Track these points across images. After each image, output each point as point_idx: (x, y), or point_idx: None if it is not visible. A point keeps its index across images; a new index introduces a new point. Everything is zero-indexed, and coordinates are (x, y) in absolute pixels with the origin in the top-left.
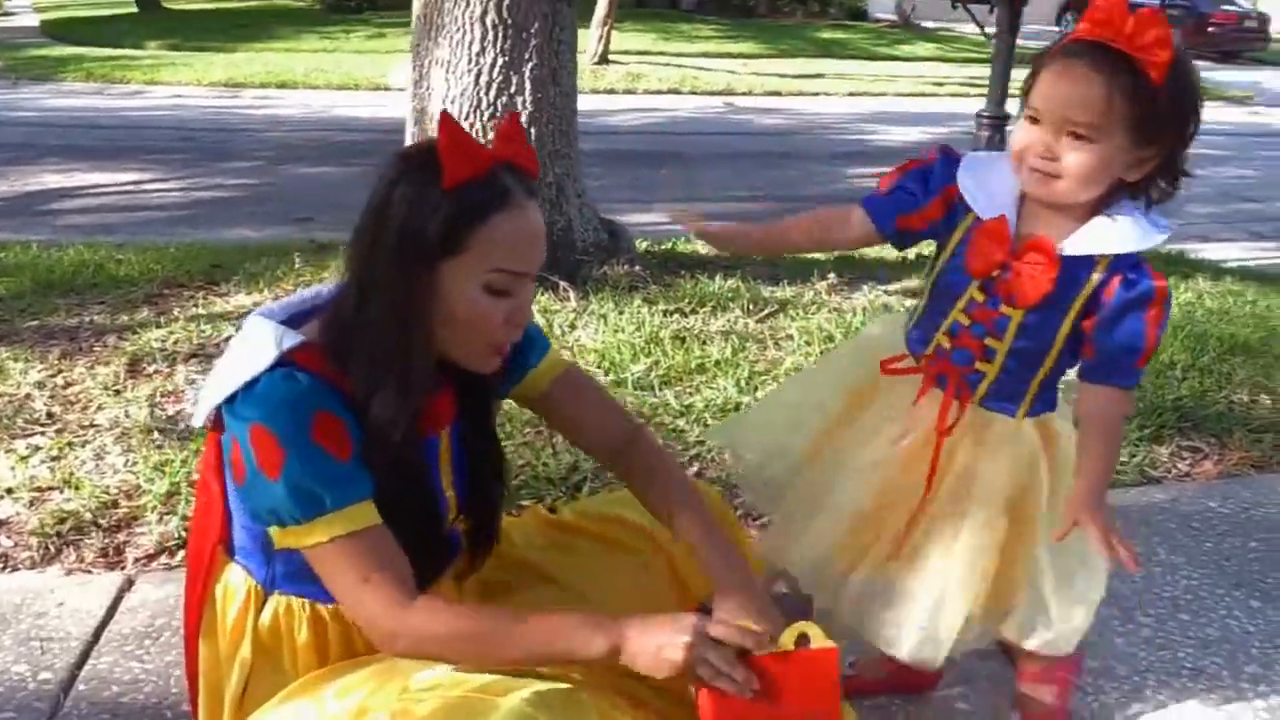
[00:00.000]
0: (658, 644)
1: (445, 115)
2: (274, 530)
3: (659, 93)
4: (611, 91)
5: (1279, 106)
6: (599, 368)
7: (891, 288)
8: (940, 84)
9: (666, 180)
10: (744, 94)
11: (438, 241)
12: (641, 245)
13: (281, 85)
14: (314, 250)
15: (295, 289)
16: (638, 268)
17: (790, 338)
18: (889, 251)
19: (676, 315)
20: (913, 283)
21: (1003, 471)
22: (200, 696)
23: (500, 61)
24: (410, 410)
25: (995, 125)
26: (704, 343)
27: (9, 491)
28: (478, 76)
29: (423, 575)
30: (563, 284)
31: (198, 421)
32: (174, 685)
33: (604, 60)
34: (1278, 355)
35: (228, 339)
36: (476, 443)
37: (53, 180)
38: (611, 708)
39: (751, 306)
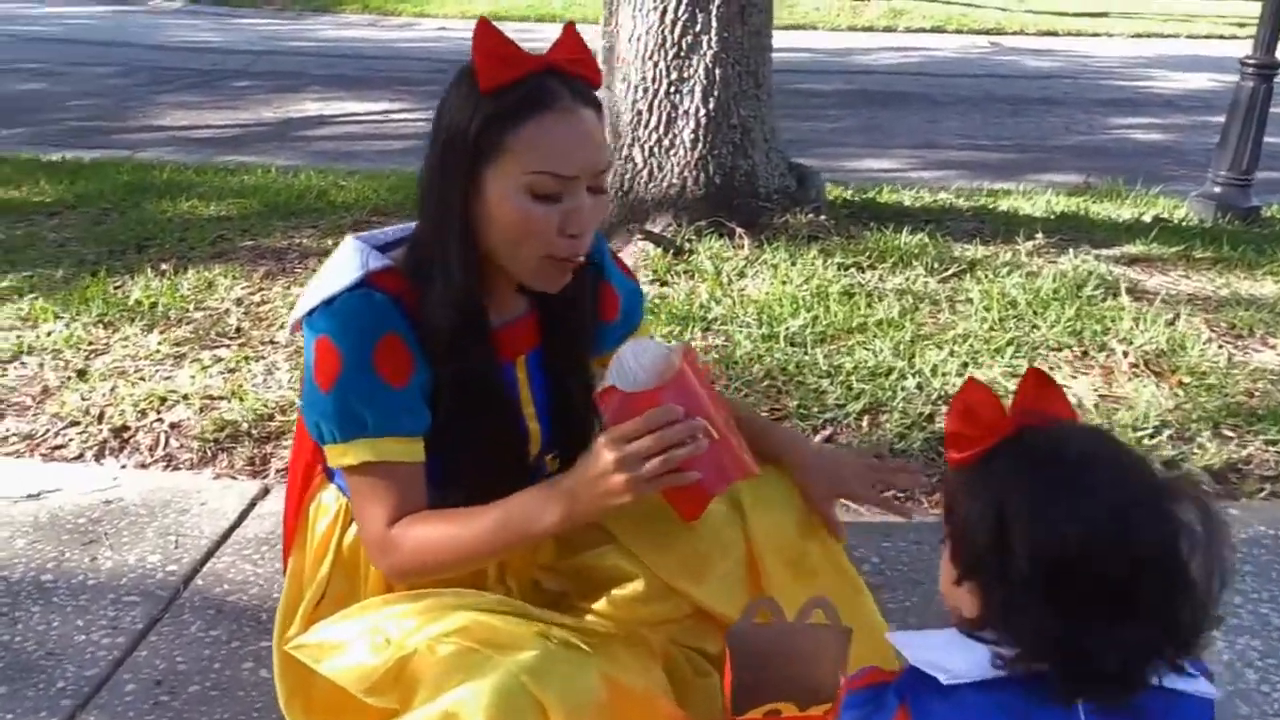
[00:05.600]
0: (592, 492)
1: (482, 22)
2: (325, 447)
3: (921, 31)
4: (870, 29)
5: None
6: (755, 320)
7: (1106, 252)
8: (1243, 24)
9: (913, 129)
10: (1014, 33)
11: (474, 143)
12: (835, 193)
13: (540, 19)
14: None
15: None
16: (822, 217)
17: (969, 301)
18: (1116, 211)
19: (852, 269)
20: (1133, 248)
21: None
22: (280, 606)
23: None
24: (458, 310)
25: (1263, 75)
26: (873, 300)
27: (184, 398)
28: (663, 14)
29: None
30: (739, 230)
31: (287, 332)
32: (276, 590)
33: None
34: None
35: None
36: (562, 378)
37: (313, 108)
38: (634, 659)
39: (936, 265)
